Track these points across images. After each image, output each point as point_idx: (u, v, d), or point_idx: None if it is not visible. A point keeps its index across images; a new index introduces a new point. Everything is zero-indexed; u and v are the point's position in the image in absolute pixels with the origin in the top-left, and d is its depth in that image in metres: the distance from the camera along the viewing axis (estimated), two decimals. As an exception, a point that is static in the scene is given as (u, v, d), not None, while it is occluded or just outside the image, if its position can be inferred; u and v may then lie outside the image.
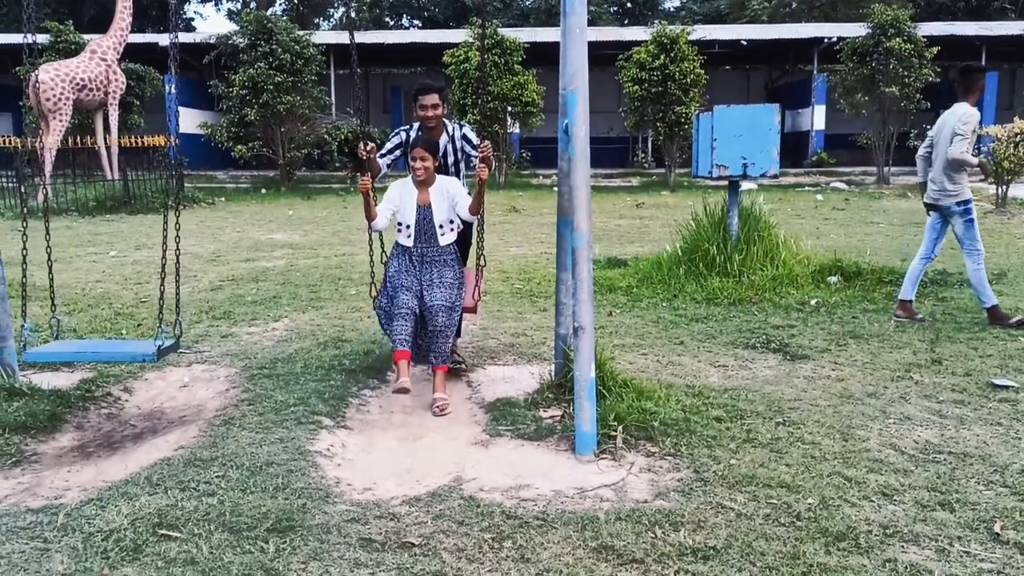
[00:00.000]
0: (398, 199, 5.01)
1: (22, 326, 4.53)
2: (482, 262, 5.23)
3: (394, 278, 4.94)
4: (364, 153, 4.99)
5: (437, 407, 4.71)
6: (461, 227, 5.17)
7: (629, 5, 45.56)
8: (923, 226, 13.08)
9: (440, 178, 5.02)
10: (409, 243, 4.98)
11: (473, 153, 5.31)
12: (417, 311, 4.83)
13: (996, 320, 6.36)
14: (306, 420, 4.39)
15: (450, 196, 4.98)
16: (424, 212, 4.96)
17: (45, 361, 5.04)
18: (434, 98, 5.25)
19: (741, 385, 5.02)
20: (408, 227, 4.97)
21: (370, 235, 5.17)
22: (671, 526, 3.21)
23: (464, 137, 5.43)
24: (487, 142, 4.98)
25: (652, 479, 3.68)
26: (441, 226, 4.98)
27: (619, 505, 3.41)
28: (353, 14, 46.89)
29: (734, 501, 3.42)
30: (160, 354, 4.53)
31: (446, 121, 5.44)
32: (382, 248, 5.29)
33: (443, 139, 5.35)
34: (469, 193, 5.15)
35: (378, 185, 5.18)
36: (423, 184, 4.97)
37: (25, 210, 4.89)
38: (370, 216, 4.95)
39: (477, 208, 4.96)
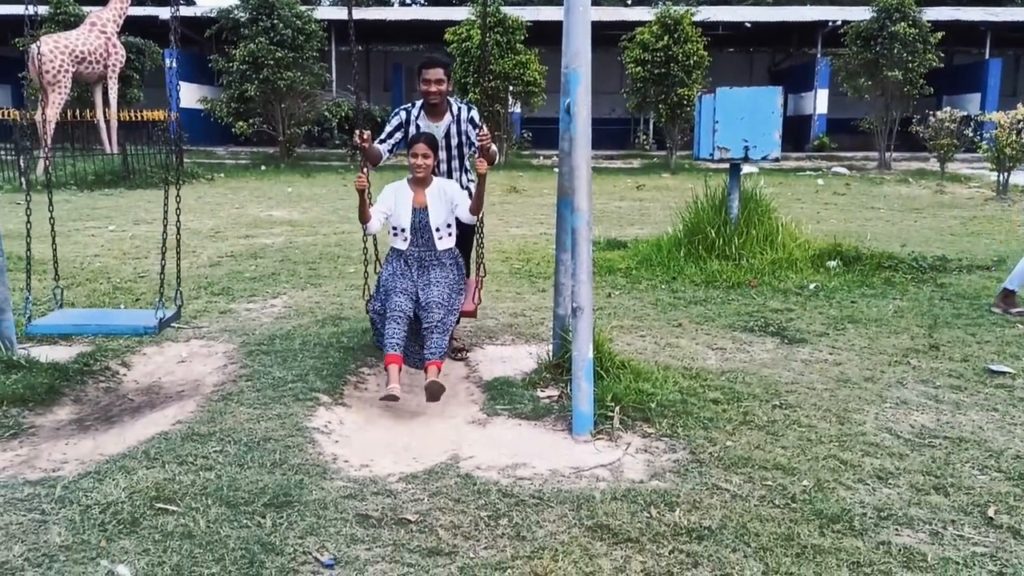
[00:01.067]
0: (392, 202, 4.75)
1: (25, 298, 4.52)
2: (482, 272, 5.14)
3: (388, 282, 4.70)
4: (360, 142, 4.73)
5: (430, 390, 4.33)
6: (457, 231, 4.92)
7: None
8: (923, 212, 12.94)
9: (438, 180, 4.80)
10: (404, 247, 4.73)
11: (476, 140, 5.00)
12: (411, 314, 4.59)
13: (1005, 302, 6.33)
14: (304, 397, 4.40)
15: (448, 198, 4.74)
16: (420, 215, 4.69)
17: (48, 333, 5.03)
18: (439, 72, 4.95)
19: (738, 368, 5.03)
20: (403, 231, 4.71)
21: (365, 238, 4.98)
22: (666, 506, 3.22)
23: (471, 120, 5.14)
24: (485, 130, 4.74)
25: (648, 460, 3.69)
26: (438, 229, 4.71)
27: (615, 485, 3.42)
28: (355, -10, 46.50)
29: (729, 482, 3.44)
30: (161, 326, 4.50)
31: (451, 100, 5.15)
32: (376, 252, 5.13)
33: (447, 119, 5.09)
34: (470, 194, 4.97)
35: (381, 167, 5.11)
36: (420, 184, 4.73)
37: (26, 182, 4.88)
38: (364, 217, 4.70)
39: (478, 208, 4.73)
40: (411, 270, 4.70)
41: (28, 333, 4.53)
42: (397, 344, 4.50)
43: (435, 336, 4.50)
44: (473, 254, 5.31)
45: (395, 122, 5.17)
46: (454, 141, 5.15)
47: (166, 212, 4.51)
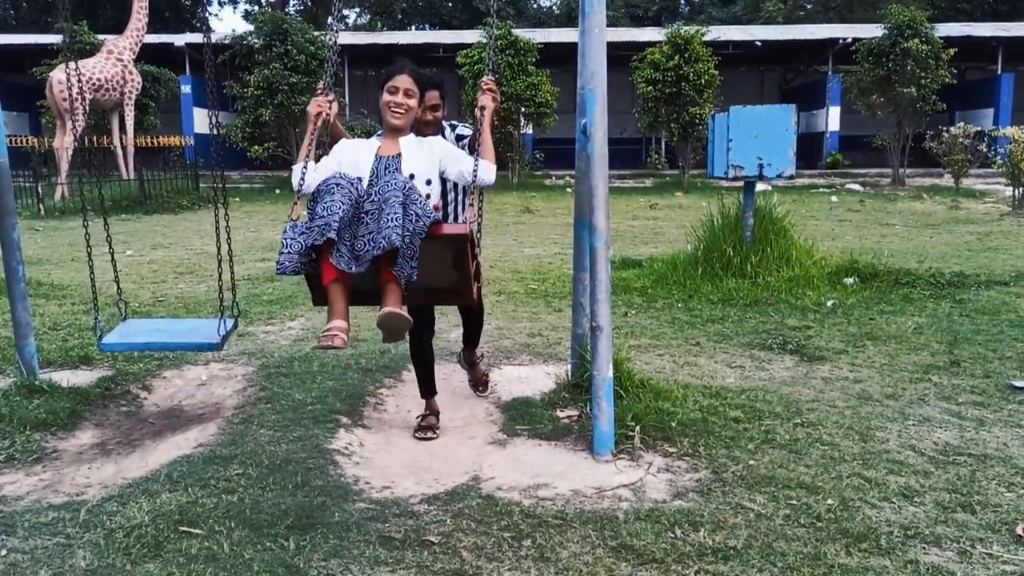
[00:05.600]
0: (348, 155, 3.71)
1: (95, 319, 4.50)
2: (478, 235, 3.67)
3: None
4: (319, 105, 3.68)
5: (387, 316, 3.35)
6: (461, 206, 4.22)
7: (649, 15, 45.19)
8: (938, 228, 12.90)
9: (427, 138, 3.87)
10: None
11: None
12: (355, 195, 3.33)
13: None
14: (324, 418, 4.41)
15: (435, 153, 3.76)
16: (387, 162, 3.65)
17: (120, 351, 4.93)
18: (434, 96, 4.14)
19: (758, 386, 5.01)
20: (358, 180, 3.46)
21: (299, 188, 3.55)
22: (690, 526, 3.20)
23: (458, 136, 4.35)
24: (487, 76, 3.94)
25: (670, 479, 3.67)
26: (412, 177, 3.62)
27: (638, 505, 3.41)
28: (365, 19, 47.06)
29: (753, 502, 3.41)
30: (223, 341, 4.35)
31: (444, 124, 4.38)
32: None
33: None
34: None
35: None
36: (395, 132, 3.76)
37: (105, 205, 4.81)
38: (305, 152, 3.55)
39: (490, 153, 3.71)
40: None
41: (102, 350, 4.48)
42: (335, 229, 3.18)
43: (388, 221, 3.22)
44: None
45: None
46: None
47: (218, 228, 4.37)
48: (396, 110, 3.71)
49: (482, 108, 3.80)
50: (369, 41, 30.33)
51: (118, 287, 4.77)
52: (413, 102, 3.74)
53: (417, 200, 3.33)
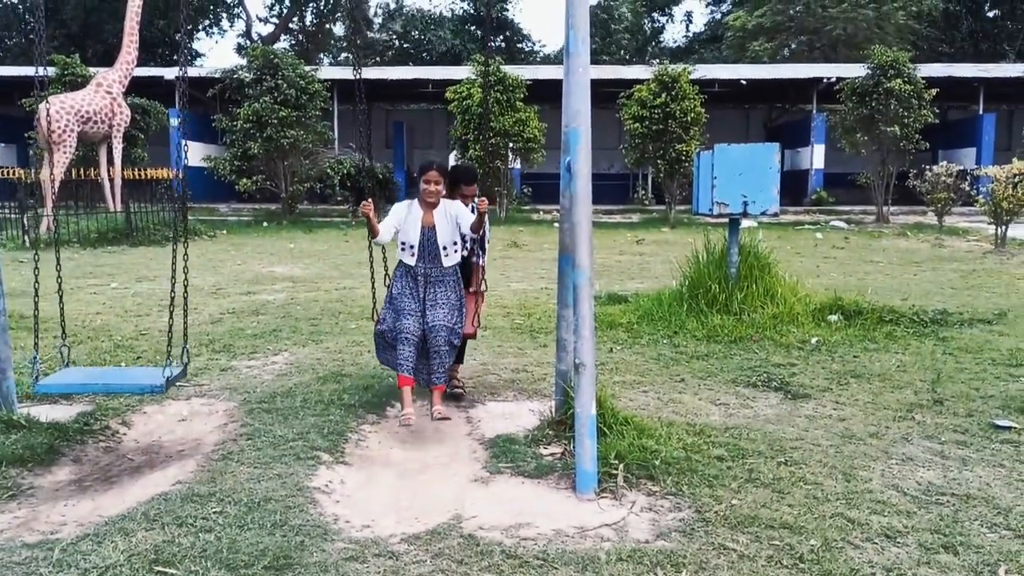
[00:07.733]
0: (404, 217, 5.15)
1: (34, 358, 4.51)
2: (483, 287, 5.42)
3: (397, 300, 5.10)
4: (364, 212, 5.03)
5: (438, 414, 4.96)
6: (466, 250, 5.31)
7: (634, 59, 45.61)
8: (922, 265, 12.94)
9: (444, 201, 5.20)
10: (412, 262, 5.12)
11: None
12: (420, 335, 5.00)
13: None
14: (305, 455, 4.37)
15: (453, 217, 5.14)
16: (428, 233, 5.10)
17: (56, 392, 5.01)
18: (474, 188, 5.58)
19: (742, 424, 5.00)
20: (412, 247, 5.12)
21: (371, 250, 5.45)
22: (673, 567, 3.18)
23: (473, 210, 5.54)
24: (484, 198, 5.06)
25: (653, 519, 3.65)
26: (444, 248, 5.12)
27: (620, 545, 3.38)
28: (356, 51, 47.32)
29: (736, 542, 3.39)
30: (168, 384, 4.48)
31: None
32: (385, 270, 5.38)
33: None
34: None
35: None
36: (430, 207, 5.12)
37: (34, 239, 4.95)
38: (373, 232, 5.06)
39: (477, 227, 5.10)
40: (418, 287, 5.11)
41: (37, 392, 4.50)
42: (408, 367, 4.95)
43: (440, 360, 5.04)
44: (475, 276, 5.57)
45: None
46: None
47: (174, 269, 4.49)
48: (430, 196, 5.12)
49: (482, 212, 5.00)
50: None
51: (63, 331, 4.79)
52: (440, 187, 5.14)
53: (459, 328, 5.14)
